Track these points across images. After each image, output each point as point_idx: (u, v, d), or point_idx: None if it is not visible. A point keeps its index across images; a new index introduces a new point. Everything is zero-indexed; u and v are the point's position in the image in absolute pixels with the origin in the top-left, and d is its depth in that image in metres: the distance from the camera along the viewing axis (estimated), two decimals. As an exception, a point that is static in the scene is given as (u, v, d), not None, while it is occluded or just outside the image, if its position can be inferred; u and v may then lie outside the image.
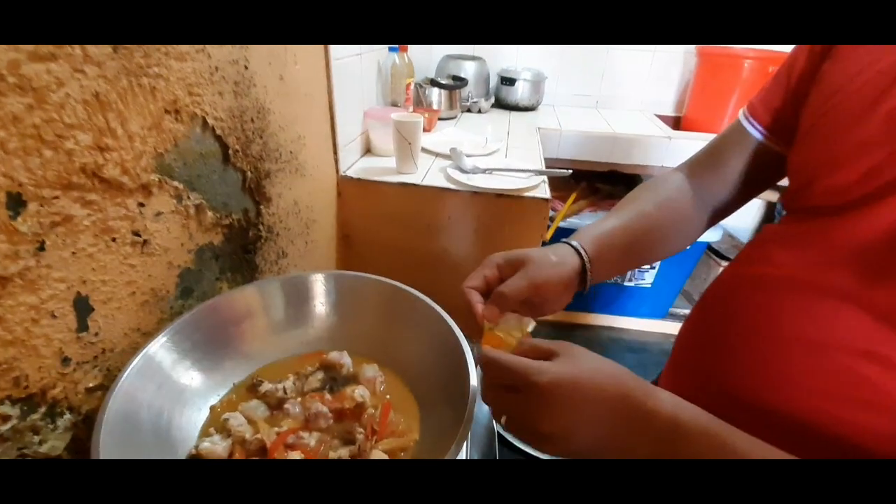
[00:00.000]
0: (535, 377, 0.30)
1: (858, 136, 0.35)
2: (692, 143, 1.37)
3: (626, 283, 1.64)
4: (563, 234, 1.51)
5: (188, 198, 0.50)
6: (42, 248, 0.34)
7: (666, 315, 1.72)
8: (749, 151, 0.49)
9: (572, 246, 0.45)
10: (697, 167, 0.53)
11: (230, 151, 0.56)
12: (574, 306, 1.77)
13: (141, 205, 0.43)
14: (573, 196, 1.59)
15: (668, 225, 0.50)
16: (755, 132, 0.48)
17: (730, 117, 1.50)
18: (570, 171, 0.98)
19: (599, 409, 0.30)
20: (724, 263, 1.58)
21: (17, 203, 0.32)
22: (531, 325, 0.40)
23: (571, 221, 1.56)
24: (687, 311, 1.72)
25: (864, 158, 0.34)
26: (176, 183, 0.47)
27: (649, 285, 1.63)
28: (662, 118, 1.61)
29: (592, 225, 0.48)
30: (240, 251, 0.62)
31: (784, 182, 0.48)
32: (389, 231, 0.97)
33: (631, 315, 1.71)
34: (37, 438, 0.36)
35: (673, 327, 1.71)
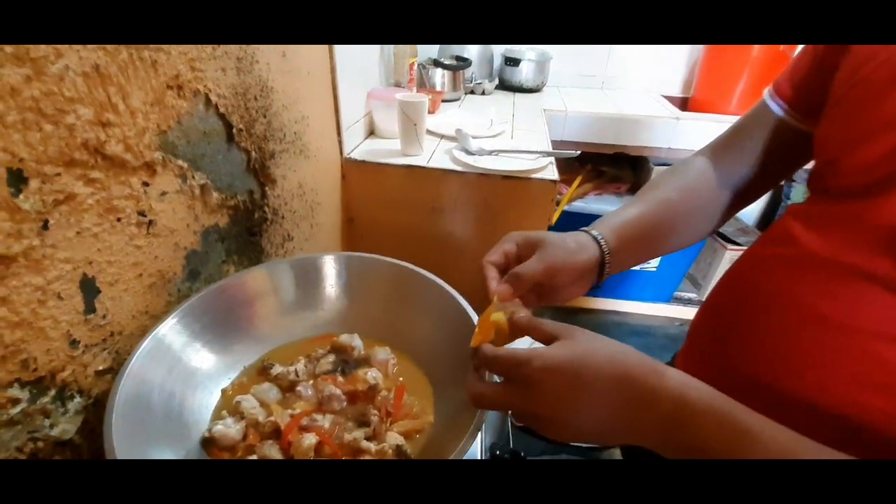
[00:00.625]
0: (524, 368, 0.30)
1: (888, 108, 0.33)
2: (700, 124, 1.35)
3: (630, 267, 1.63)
4: (568, 217, 1.50)
5: (193, 177, 0.48)
6: (46, 226, 0.33)
7: (670, 299, 1.72)
8: (772, 130, 0.47)
9: (593, 236, 0.43)
10: (720, 149, 0.51)
11: (234, 130, 0.55)
12: (578, 290, 1.76)
13: (145, 184, 0.42)
14: (578, 179, 1.57)
15: (691, 211, 0.48)
16: (777, 108, 0.46)
17: (738, 97, 1.47)
18: (578, 153, 0.96)
19: (596, 392, 0.29)
20: (730, 247, 1.57)
21: (18, 180, 0.31)
22: None
23: (576, 205, 1.55)
24: (692, 295, 1.72)
25: (893, 132, 0.33)
26: (180, 162, 0.46)
27: (654, 269, 1.62)
28: (669, 99, 1.58)
29: (613, 213, 0.46)
30: (245, 234, 0.60)
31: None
32: (394, 214, 0.96)
33: (635, 299, 1.71)
34: (47, 422, 0.36)
35: (677, 311, 1.71)
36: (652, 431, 0.30)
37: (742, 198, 0.50)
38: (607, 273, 0.44)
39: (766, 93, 0.48)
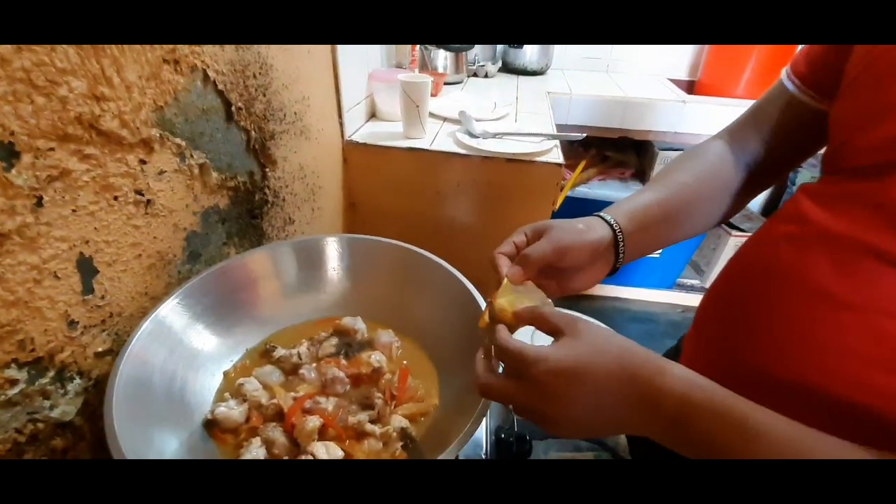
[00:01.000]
0: (532, 368, 0.30)
1: None
2: (707, 108, 1.33)
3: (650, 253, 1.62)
4: (571, 203, 1.48)
5: (191, 156, 0.47)
6: (40, 203, 0.32)
7: (673, 285, 1.71)
8: (789, 110, 0.46)
9: (602, 217, 0.43)
10: (737, 131, 0.50)
11: (233, 108, 0.53)
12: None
13: (142, 162, 0.41)
14: (582, 164, 1.56)
15: (707, 196, 0.47)
16: (793, 87, 0.45)
17: (747, 80, 1.44)
18: (584, 136, 0.94)
19: (601, 394, 0.29)
20: (735, 233, 1.56)
21: (10, 154, 0.30)
22: (550, 303, 0.38)
23: (579, 190, 1.53)
24: (694, 282, 1.71)
25: None
26: (178, 140, 0.45)
27: (657, 256, 1.61)
28: (676, 82, 1.55)
29: (627, 198, 0.45)
30: (246, 216, 0.59)
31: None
32: (397, 198, 0.94)
33: (638, 285, 1.70)
34: (47, 403, 0.35)
35: (680, 297, 1.70)
36: (655, 429, 0.30)
37: (758, 182, 0.49)
38: (624, 255, 0.42)
39: (783, 72, 0.46)
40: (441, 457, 0.33)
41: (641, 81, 1.55)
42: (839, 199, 0.36)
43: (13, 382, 0.33)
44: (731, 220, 1.61)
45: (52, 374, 0.35)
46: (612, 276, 0.44)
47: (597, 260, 0.42)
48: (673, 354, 0.56)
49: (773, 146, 0.47)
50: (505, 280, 0.37)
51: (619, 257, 0.42)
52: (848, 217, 0.35)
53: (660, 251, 1.59)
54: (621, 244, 0.42)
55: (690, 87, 1.62)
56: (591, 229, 0.41)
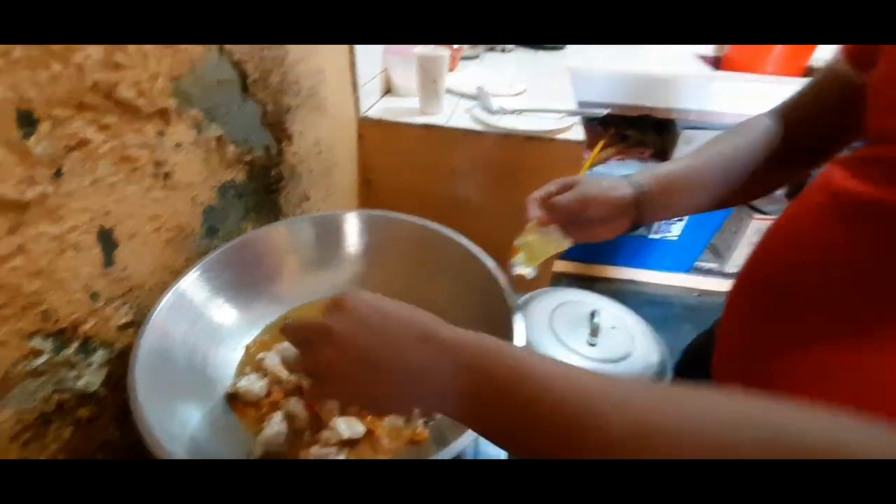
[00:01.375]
0: (337, 298, 0.30)
1: None
2: (735, 85, 1.27)
3: (651, 236, 1.59)
4: (588, 183, 1.45)
5: (208, 129, 0.46)
6: (59, 173, 0.32)
7: (690, 269, 1.68)
8: (834, 85, 0.44)
9: (629, 179, 0.45)
10: (787, 108, 0.49)
11: (248, 81, 0.52)
12: (596, 258, 1.73)
13: (160, 133, 0.40)
14: (601, 144, 1.52)
15: (745, 169, 0.47)
16: (840, 62, 0.43)
17: (776, 56, 1.38)
18: (607, 111, 0.91)
19: (405, 329, 0.29)
20: (756, 216, 1.52)
21: (28, 122, 0.29)
22: (567, 244, 0.43)
23: (598, 170, 1.50)
24: (712, 266, 1.68)
25: None
26: (194, 111, 0.44)
27: (675, 238, 1.58)
28: (702, 58, 1.49)
29: (663, 163, 0.47)
30: (263, 191, 0.59)
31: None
32: (412, 176, 0.93)
33: (654, 268, 1.68)
34: (72, 374, 0.36)
35: (695, 281, 1.67)
36: (459, 384, 0.26)
37: (808, 157, 0.48)
38: (649, 215, 0.45)
39: (835, 49, 0.44)
40: (462, 436, 0.32)
41: (666, 56, 1.49)
42: (867, 162, 0.35)
43: (38, 353, 0.33)
44: (756, 203, 1.56)
45: (76, 345, 0.36)
46: (634, 231, 0.47)
47: (618, 216, 0.44)
48: (705, 340, 0.54)
49: (817, 122, 0.46)
50: (531, 222, 0.42)
51: (640, 216, 0.45)
52: (873, 178, 0.33)
53: (678, 234, 1.56)
54: (643, 203, 0.44)
55: (717, 63, 1.55)
56: (615, 188, 0.44)
